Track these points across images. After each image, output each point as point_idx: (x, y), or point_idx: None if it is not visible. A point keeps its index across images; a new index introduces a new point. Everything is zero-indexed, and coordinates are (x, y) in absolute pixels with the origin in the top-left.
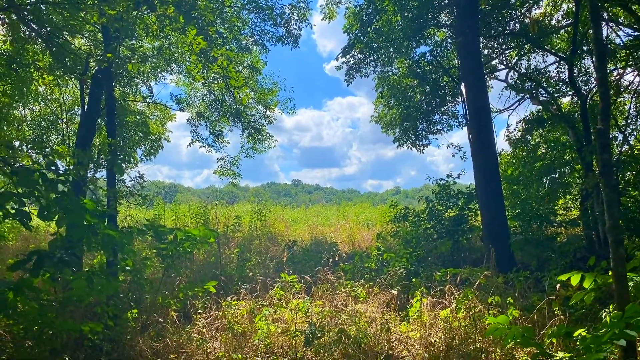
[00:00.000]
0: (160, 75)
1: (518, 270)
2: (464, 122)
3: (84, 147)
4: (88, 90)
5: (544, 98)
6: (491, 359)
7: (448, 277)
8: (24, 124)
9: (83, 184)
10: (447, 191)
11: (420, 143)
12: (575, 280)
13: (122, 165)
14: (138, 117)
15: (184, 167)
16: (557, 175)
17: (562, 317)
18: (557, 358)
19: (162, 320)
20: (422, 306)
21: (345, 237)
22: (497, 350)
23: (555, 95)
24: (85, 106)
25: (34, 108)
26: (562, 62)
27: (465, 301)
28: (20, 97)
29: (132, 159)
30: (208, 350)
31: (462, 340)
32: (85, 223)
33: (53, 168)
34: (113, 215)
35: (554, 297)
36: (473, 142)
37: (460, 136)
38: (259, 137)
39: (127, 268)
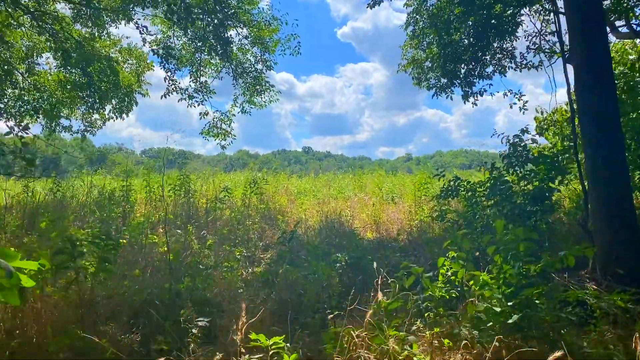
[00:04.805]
0: (133, 11)
1: None
2: (522, 62)
3: None
4: None
5: None
6: None
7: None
8: None
9: None
10: (524, 153)
11: (470, 91)
12: None
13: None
14: (105, 62)
15: (196, 134)
16: None
17: None
18: None
19: None
20: None
21: (365, 216)
22: None
23: None
24: None
25: None
26: None
27: None
28: None
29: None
30: None
31: None
32: None
33: None
34: None
35: None
36: (578, 75)
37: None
38: (257, 87)
39: None
